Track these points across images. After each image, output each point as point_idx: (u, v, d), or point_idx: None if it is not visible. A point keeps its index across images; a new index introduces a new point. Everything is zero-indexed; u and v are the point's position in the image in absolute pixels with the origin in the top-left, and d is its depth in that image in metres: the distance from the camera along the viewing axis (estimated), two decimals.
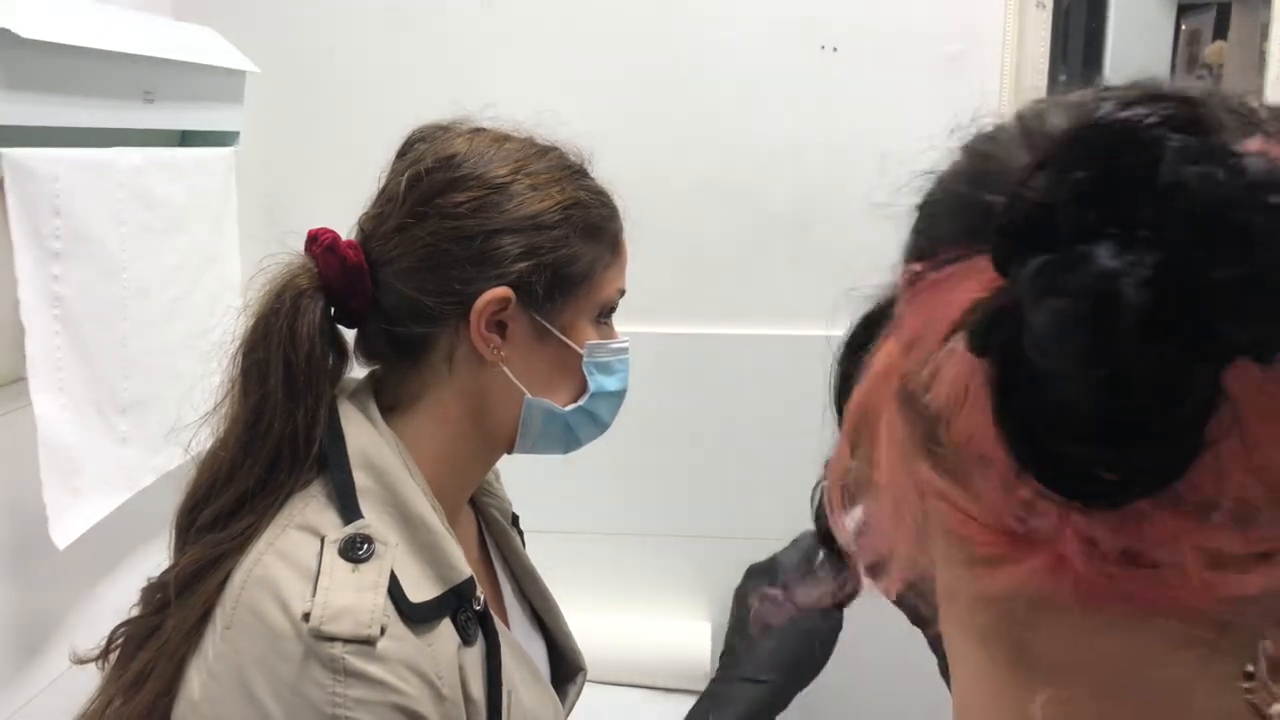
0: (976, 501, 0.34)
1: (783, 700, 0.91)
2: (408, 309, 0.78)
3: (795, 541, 0.96)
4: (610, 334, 0.85)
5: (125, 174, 1.18)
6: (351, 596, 0.68)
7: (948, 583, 0.38)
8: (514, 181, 0.78)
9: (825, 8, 1.52)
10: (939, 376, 0.34)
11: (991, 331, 0.31)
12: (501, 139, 0.81)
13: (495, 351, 0.77)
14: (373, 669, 0.66)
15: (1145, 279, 0.28)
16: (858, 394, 0.39)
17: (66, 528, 1.07)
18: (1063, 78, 2.29)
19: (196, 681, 0.70)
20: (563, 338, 0.79)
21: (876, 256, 1.34)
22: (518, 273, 0.76)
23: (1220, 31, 3.73)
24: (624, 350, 0.85)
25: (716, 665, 0.97)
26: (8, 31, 0.95)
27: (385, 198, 0.80)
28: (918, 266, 0.36)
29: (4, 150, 0.98)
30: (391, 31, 1.58)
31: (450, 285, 0.76)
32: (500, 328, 0.78)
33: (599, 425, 0.85)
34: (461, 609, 0.74)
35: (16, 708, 1.10)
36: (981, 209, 0.35)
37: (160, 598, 0.76)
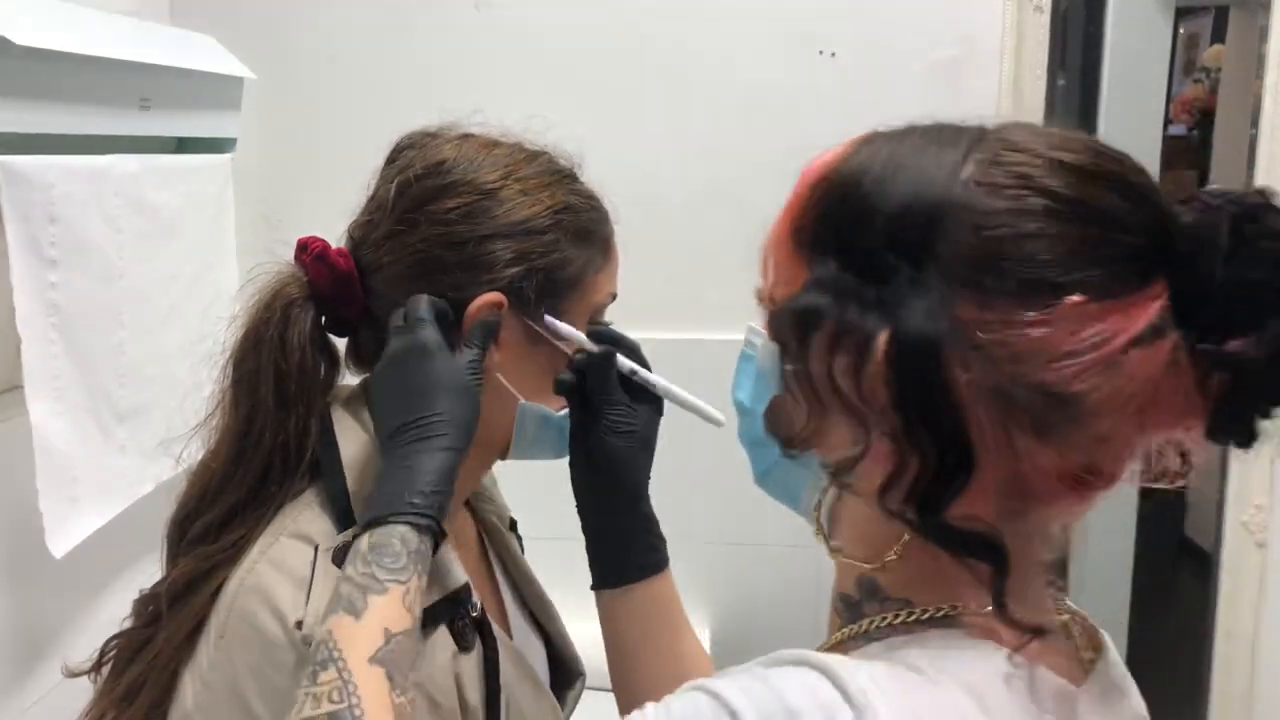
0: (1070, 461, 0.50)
1: None
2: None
3: None
4: None
5: (121, 181, 1.18)
6: None
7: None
8: (504, 187, 0.77)
9: (823, 13, 1.52)
10: (1110, 381, 0.48)
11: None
12: (490, 144, 0.81)
13: (488, 357, 0.77)
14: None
15: None
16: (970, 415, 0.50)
17: (64, 537, 1.07)
18: (1061, 82, 2.29)
19: (190, 691, 0.70)
20: (555, 342, 0.79)
21: None
22: (509, 278, 0.76)
23: (1219, 35, 3.73)
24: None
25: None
26: (4, 39, 0.95)
27: (375, 205, 0.80)
28: (1077, 299, 0.48)
29: (0, 157, 0.98)
30: (389, 38, 1.58)
31: (442, 291, 0.75)
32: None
33: None
34: (457, 616, 0.74)
35: (11, 718, 1.10)
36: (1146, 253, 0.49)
37: (152, 610, 0.75)
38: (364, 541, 0.65)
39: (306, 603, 0.68)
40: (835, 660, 0.51)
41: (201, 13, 1.53)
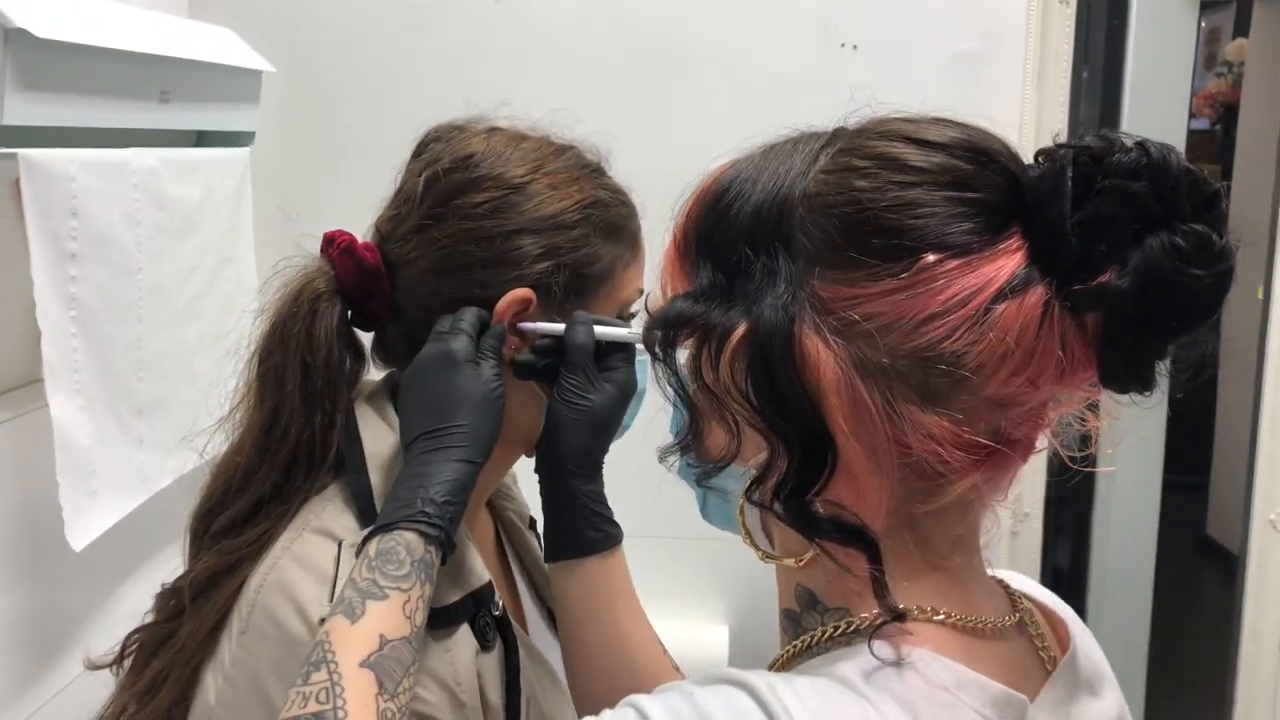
0: (968, 429, 0.50)
1: None
2: (427, 311, 0.77)
3: None
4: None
5: (141, 174, 1.18)
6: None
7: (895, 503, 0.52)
8: (532, 181, 0.76)
9: (844, 5, 1.51)
10: (983, 337, 0.48)
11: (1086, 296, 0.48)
12: (518, 138, 0.80)
13: (516, 353, 0.76)
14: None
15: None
16: (830, 387, 0.50)
17: (83, 530, 1.07)
18: (1085, 74, 2.27)
19: (212, 687, 0.69)
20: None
21: None
22: (538, 273, 0.75)
23: (1241, 28, 3.68)
24: (644, 351, 0.84)
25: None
26: (24, 31, 0.95)
27: (402, 198, 0.79)
28: (932, 257, 0.49)
29: (20, 151, 0.98)
30: (408, 31, 1.57)
31: (470, 287, 0.75)
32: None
33: (621, 427, 0.84)
34: (479, 614, 0.74)
35: (32, 710, 1.10)
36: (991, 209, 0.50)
37: (174, 604, 0.75)
38: (371, 546, 0.65)
39: (330, 599, 0.67)
40: (763, 679, 0.51)
41: (220, 6, 1.53)
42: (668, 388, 0.57)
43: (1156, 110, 1.77)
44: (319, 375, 0.74)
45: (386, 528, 0.65)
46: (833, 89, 1.50)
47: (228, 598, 0.71)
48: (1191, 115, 3.11)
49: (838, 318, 0.50)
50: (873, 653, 0.51)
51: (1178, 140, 1.76)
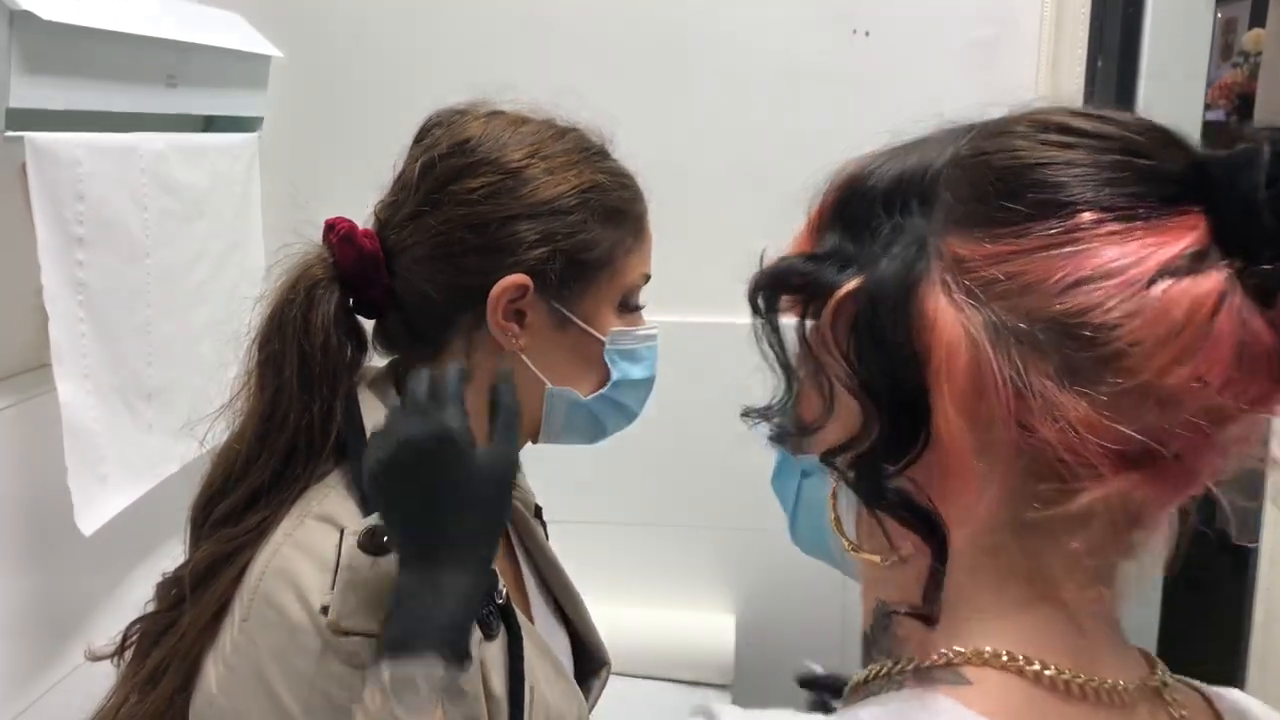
0: (1111, 416, 0.42)
1: None
2: (424, 298, 0.76)
3: None
4: (637, 321, 0.82)
5: (148, 159, 1.17)
6: (371, 590, 0.67)
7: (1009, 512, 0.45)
8: (529, 165, 0.76)
9: None
10: (1142, 310, 0.41)
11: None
12: (518, 121, 0.79)
13: (514, 340, 0.76)
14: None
15: None
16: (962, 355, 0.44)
17: (92, 515, 1.07)
18: (1100, 64, 2.24)
19: (214, 675, 0.69)
20: (583, 325, 0.77)
21: None
22: (534, 259, 0.74)
23: (1258, 18, 3.65)
24: (651, 338, 0.83)
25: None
26: (29, 14, 0.94)
27: (400, 184, 0.79)
28: (1090, 216, 0.42)
29: (27, 134, 0.98)
30: (418, 15, 1.56)
31: (466, 274, 0.74)
32: (519, 316, 0.76)
33: (626, 414, 0.83)
34: (483, 603, 0.73)
35: (36, 697, 1.10)
36: (1172, 178, 0.43)
37: (175, 593, 0.75)
38: (385, 672, 0.60)
39: (333, 588, 0.67)
40: (730, 715, 0.46)
41: None
42: (767, 349, 0.52)
43: (1172, 100, 1.75)
44: (316, 362, 0.74)
45: (401, 648, 0.61)
46: (846, 76, 1.50)
47: (227, 586, 0.71)
48: (1208, 106, 3.09)
49: (974, 276, 0.44)
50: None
51: (1192, 131, 1.74)
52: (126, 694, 0.75)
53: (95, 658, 0.79)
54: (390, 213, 0.78)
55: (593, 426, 0.82)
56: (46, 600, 1.11)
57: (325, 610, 0.66)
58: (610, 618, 1.04)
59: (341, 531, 0.70)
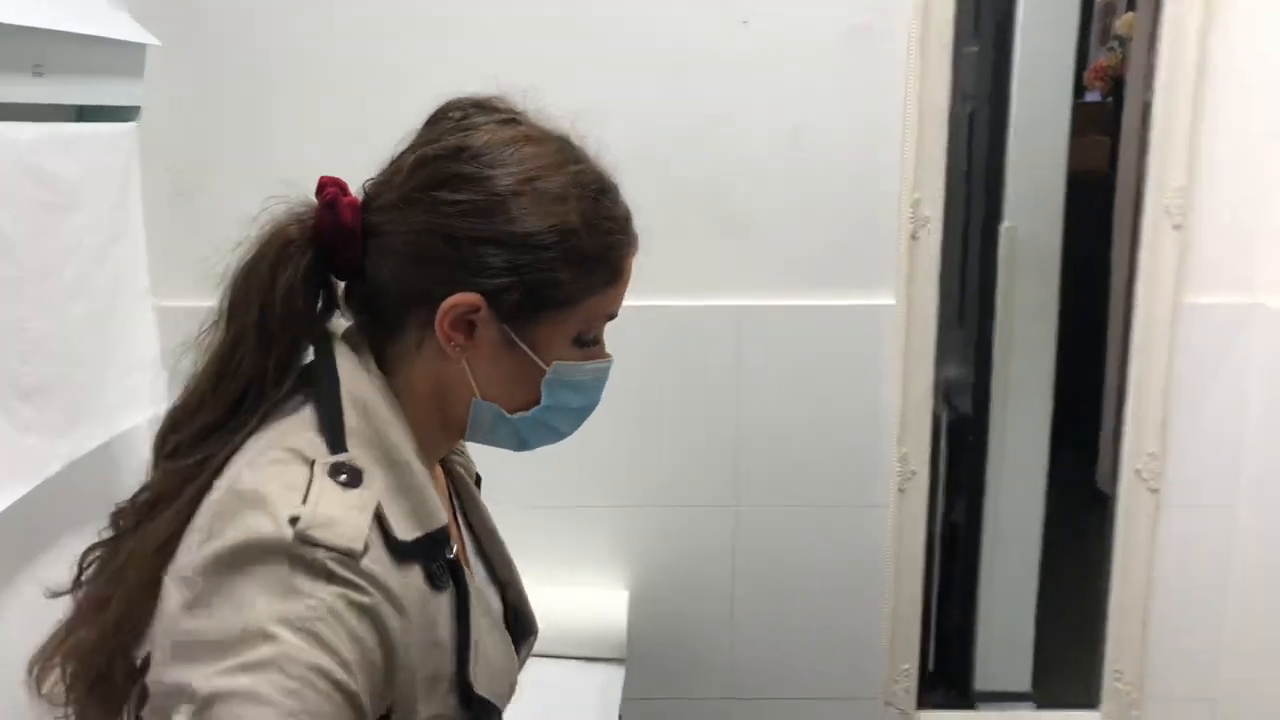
0: None
1: None
2: (386, 286, 0.77)
3: None
4: (594, 354, 0.82)
5: (17, 150, 1.13)
6: (339, 511, 0.67)
7: None
8: (518, 195, 0.74)
9: None
10: None
11: None
12: (528, 139, 0.77)
13: (456, 349, 0.76)
14: (354, 579, 0.66)
15: None
16: None
17: None
18: (975, 49, 2.35)
19: (176, 594, 0.67)
20: (529, 354, 0.78)
21: (791, 227, 1.38)
22: (496, 285, 0.74)
23: (1131, 3, 3.83)
24: (602, 371, 0.82)
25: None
26: None
27: (393, 168, 0.78)
28: None
29: None
30: (302, 2, 1.53)
31: (427, 278, 0.75)
32: (469, 326, 0.76)
33: (554, 434, 0.84)
34: (435, 556, 0.75)
35: None
36: None
37: (123, 522, 0.76)
38: None
39: (303, 502, 0.67)
40: None
41: None
42: None
43: (1043, 84, 1.83)
44: (275, 318, 0.74)
45: None
46: (731, 63, 1.54)
47: (175, 515, 0.71)
48: (1085, 88, 3.23)
49: None
50: None
51: (1063, 113, 1.84)
52: (76, 622, 0.75)
53: (54, 594, 0.77)
54: (377, 191, 0.78)
55: (515, 439, 0.83)
56: None
57: (294, 521, 0.65)
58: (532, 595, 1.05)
59: (312, 463, 0.70)
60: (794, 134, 1.57)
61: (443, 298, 0.74)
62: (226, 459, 0.73)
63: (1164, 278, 1.57)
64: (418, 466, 0.75)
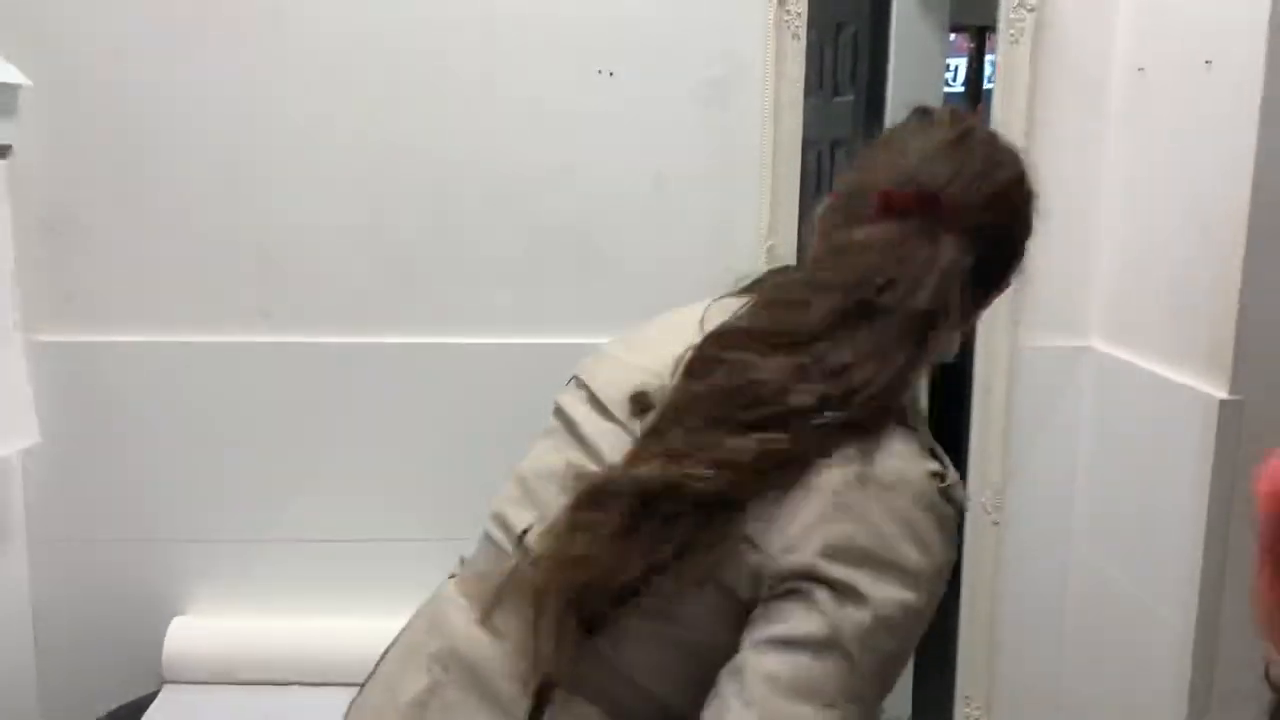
0: None
1: None
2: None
3: None
4: None
5: None
6: (956, 478, 0.81)
7: None
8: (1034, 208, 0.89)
9: (601, 35, 1.60)
10: None
11: None
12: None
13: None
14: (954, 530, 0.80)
15: None
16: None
17: None
18: (850, 97, 2.47)
19: (846, 528, 0.74)
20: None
21: (653, 270, 1.44)
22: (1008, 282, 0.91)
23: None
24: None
25: None
26: None
27: (978, 179, 0.85)
28: None
29: None
30: (175, 43, 1.57)
31: (991, 282, 0.88)
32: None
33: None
34: None
35: None
36: None
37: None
38: None
39: (943, 466, 0.79)
40: None
41: None
42: None
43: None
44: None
45: None
46: (593, 113, 1.61)
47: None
48: None
49: None
50: None
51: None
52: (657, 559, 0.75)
53: None
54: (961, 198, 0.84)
55: None
56: None
57: (938, 476, 0.78)
58: (345, 630, 1.07)
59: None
60: (655, 180, 1.64)
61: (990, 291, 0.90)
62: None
63: (1000, 322, 1.66)
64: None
